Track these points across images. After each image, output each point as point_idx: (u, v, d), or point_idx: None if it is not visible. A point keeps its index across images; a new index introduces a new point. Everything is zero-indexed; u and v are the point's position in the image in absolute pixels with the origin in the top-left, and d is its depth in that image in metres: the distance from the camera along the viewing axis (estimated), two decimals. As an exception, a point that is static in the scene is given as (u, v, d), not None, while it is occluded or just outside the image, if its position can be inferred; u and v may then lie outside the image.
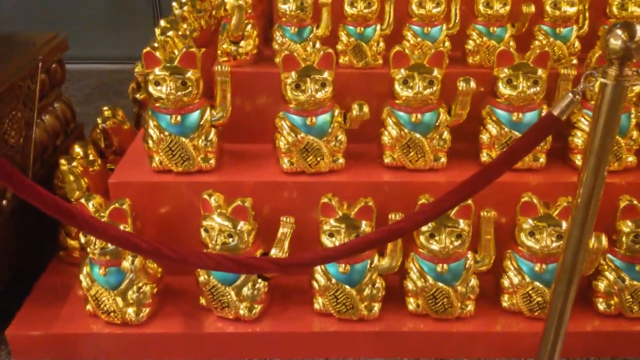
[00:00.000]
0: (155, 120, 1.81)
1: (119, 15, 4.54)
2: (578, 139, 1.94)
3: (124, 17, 4.54)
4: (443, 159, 1.93)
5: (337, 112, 1.86)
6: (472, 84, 1.81)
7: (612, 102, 1.23)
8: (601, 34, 2.16)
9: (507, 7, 2.07)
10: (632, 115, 1.93)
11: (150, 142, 1.83)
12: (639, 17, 2.11)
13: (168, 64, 1.78)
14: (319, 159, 1.86)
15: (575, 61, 2.13)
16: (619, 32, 1.18)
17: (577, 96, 1.25)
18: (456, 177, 1.91)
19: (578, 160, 1.95)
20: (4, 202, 1.95)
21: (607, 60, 1.22)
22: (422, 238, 1.74)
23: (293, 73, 1.81)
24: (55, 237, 2.12)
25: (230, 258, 1.37)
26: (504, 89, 1.87)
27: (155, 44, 1.92)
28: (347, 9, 2.06)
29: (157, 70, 1.77)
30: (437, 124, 1.87)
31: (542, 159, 1.94)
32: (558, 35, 2.11)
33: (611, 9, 2.13)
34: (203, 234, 1.73)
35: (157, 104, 1.80)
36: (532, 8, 2.08)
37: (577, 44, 2.12)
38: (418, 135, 1.87)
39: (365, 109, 1.83)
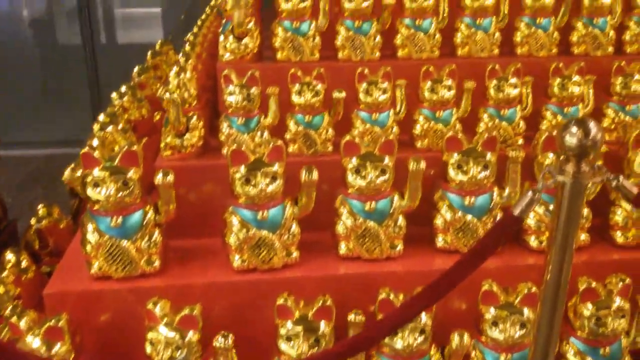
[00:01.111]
0: (94, 223, 1.68)
1: (55, 100, 4.42)
2: (531, 220, 1.94)
3: (61, 101, 4.42)
4: (400, 247, 1.88)
5: (288, 204, 1.80)
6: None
7: (571, 199, 1.21)
8: (544, 112, 2.22)
9: (452, 92, 2.09)
10: (582, 195, 1.94)
11: (88, 246, 1.69)
12: (580, 97, 2.18)
13: (108, 164, 1.67)
14: (272, 254, 1.78)
15: (521, 141, 2.15)
16: (574, 129, 1.17)
17: (537, 194, 1.22)
18: (414, 265, 1.87)
19: (532, 241, 1.95)
20: None
21: (563, 157, 1.21)
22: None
23: (242, 167, 1.74)
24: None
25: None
26: (454, 175, 1.85)
27: (94, 141, 1.82)
28: (295, 98, 2.03)
29: (96, 171, 1.66)
30: (391, 211, 1.83)
31: (498, 242, 1.91)
32: (503, 117, 2.14)
33: (552, 89, 2.19)
34: (148, 347, 1.58)
35: (95, 207, 1.68)
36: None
37: (522, 124, 2.15)
38: (373, 224, 1.82)
39: (315, 175, 1.77)
